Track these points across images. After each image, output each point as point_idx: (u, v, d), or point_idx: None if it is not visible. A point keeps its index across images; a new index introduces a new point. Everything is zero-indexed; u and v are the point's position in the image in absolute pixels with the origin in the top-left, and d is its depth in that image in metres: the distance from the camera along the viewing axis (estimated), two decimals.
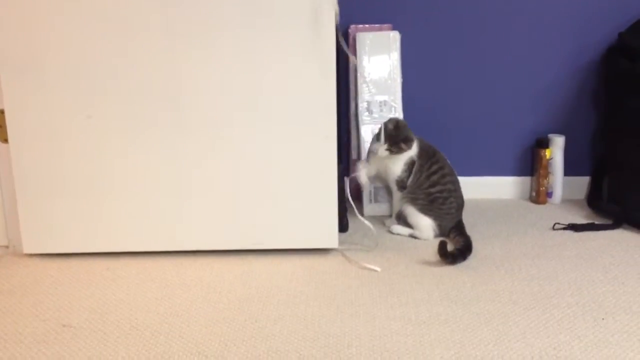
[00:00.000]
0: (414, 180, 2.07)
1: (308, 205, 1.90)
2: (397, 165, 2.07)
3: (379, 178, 2.17)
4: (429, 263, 1.91)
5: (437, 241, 2.04)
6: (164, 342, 1.50)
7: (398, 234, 2.13)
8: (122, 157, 1.89)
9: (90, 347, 1.48)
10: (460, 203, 2.12)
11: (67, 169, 1.90)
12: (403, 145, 2.02)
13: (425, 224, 2.08)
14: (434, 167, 2.07)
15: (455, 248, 1.94)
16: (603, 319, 1.57)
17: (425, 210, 2.07)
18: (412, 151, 2.07)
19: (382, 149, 2.04)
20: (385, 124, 2.04)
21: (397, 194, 2.13)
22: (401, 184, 2.09)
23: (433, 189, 2.07)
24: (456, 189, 2.10)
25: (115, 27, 1.81)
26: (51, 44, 1.82)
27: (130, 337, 1.52)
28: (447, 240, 2.05)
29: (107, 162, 1.89)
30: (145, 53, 1.82)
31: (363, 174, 2.14)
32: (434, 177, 2.07)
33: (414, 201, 2.08)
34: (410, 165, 2.07)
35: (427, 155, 2.08)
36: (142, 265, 1.91)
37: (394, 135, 2.03)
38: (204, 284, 1.79)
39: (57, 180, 1.91)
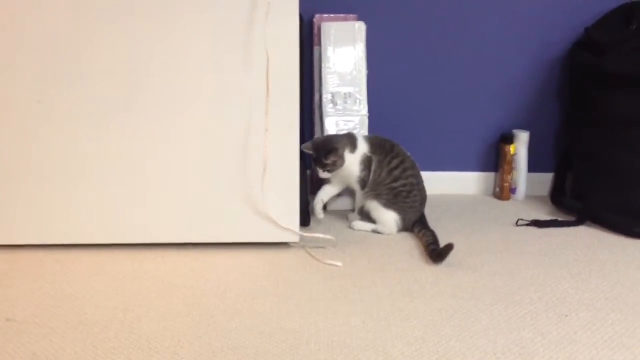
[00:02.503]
0: (375, 177, 2.05)
1: (268, 197, 1.85)
2: (354, 166, 2.05)
3: (343, 184, 2.13)
4: (391, 258, 1.88)
5: (400, 236, 2.05)
6: (114, 337, 1.44)
7: (360, 230, 2.10)
8: (74, 144, 1.82)
9: (35, 343, 1.42)
10: (423, 196, 2.10)
11: (15, 156, 1.83)
12: (328, 160, 2.01)
13: (388, 219, 2.05)
14: (395, 162, 2.05)
15: (432, 247, 1.90)
16: (567, 315, 1.56)
17: (389, 204, 2.05)
18: (362, 149, 2.05)
19: (321, 173, 2.05)
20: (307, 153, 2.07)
21: (359, 192, 2.10)
22: (363, 184, 2.07)
23: (396, 183, 2.04)
24: (419, 183, 2.09)
25: (66, 8, 1.74)
26: None
27: (78, 333, 1.46)
28: (415, 235, 2.04)
29: (57, 149, 1.82)
30: (98, 36, 1.76)
31: (319, 208, 2.12)
32: (396, 172, 2.05)
33: (377, 197, 2.06)
34: (367, 162, 2.05)
35: (384, 150, 2.06)
36: (95, 259, 1.85)
37: (316, 158, 2.04)
38: (159, 278, 1.74)
39: (4, 168, 1.83)
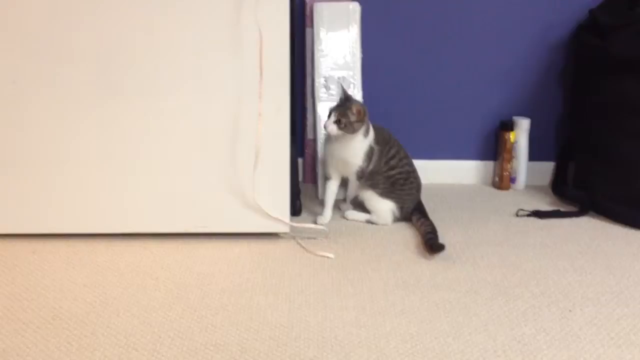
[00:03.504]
0: (372, 167, 1.97)
1: (257, 185, 1.79)
2: (357, 157, 1.94)
3: (340, 173, 2.01)
4: (386, 250, 1.83)
5: (395, 226, 2.00)
6: (90, 333, 1.38)
7: (354, 220, 2.03)
8: (50, 128, 1.76)
9: (5, 338, 1.36)
10: (419, 183, 2.05)
11: None
12: (353, 114, 1.85)
13: (384, 209, 1.99)
14: (392, 152, 2.00)
15: (429, 237, 1.85)
16: (570, 310, 1.51)
17: (386, 194, 1.99)
18: (370, 138, 1.96)
19: (329, 124, 1.87)
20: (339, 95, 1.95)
21: (354, 182, 2.02)
22: (361, 174, 1.97)
23: (392, 171, 1.99)
24: (413, 170, 2.04)
25: None
26: None
27: (52, 328, 1.40)
28: (413, 224, 1.99)
29: (33, 133, 1.76)
30: (79, 15, 1.69)
31: (329, 213, 2.01)
32: (392, 162, 1.99)
33: (373, 186, 1.99)
34: (370, 153, 1.96)
35: (384, 140, 1.99)
36: (72, 249, 1.79)
37: (342, 105, 1.89)
38: (140, 270, 1.68)
39: None
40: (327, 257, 1.76)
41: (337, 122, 1.86)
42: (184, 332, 1.39)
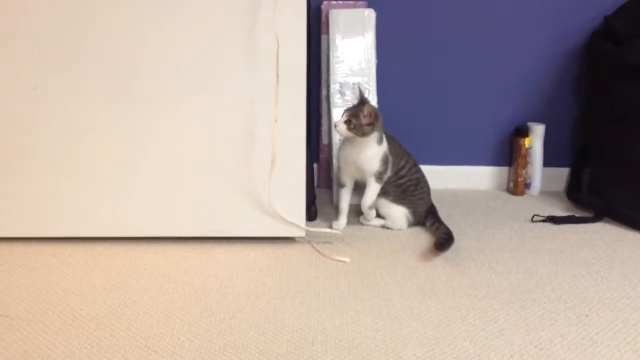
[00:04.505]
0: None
1: (273, 190, 1.79)
2: (373, 164, 1.93)
3: (353, 177, 2.00)
4: (401, 254, 1.82)
5: (410, 231, 2.00)
6: (110, 335, 1.39)
7: (369, 225, 2.04)
8: (70, 133, 1.77)
9: (27, 340, 1.37)
10: (428, 186, 2.06)
11: (9, 145, 1.78)
12: (365, 115, 1.83)
13: (398, 214, 1.99)
14: (402, 163, 2.00)
15: (440, 237, 1.87)
16: (587, 315, 1.50)
17: (398, 200, 1.99)
18: (384, 147, 1.95)
19: (340, 124, 1.85)
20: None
21: (374, 186, 1.98)
22: (379, 176, 1.95)
23: (401, 180, 1.99)
24: (422, 175, 2.05)
25: None
26: None
27: (72, 329, 1.41)
28: (427, 229, 2.00)
29: (54, 138, 1.77)
30: (96, 21, 1.70)
31: (344, 220, 2.02)
32: (402, 172, 2.00)
33: (385, 194, 2.00)
34: (385, 161, 1.95)
35: (396, 152, 1.99)
36: (92, 252, 1.80)
37: (357, 106, 1.87)
38: (158, 273, 1.68)
39: None
40: (343, 262, 1.76)
41: (347, 122, 1.84)
42: (202, 334, 1.39)
